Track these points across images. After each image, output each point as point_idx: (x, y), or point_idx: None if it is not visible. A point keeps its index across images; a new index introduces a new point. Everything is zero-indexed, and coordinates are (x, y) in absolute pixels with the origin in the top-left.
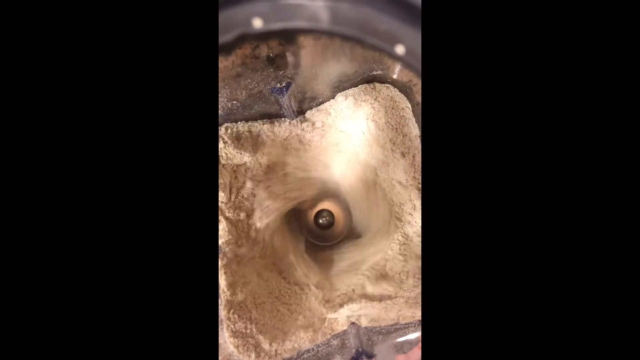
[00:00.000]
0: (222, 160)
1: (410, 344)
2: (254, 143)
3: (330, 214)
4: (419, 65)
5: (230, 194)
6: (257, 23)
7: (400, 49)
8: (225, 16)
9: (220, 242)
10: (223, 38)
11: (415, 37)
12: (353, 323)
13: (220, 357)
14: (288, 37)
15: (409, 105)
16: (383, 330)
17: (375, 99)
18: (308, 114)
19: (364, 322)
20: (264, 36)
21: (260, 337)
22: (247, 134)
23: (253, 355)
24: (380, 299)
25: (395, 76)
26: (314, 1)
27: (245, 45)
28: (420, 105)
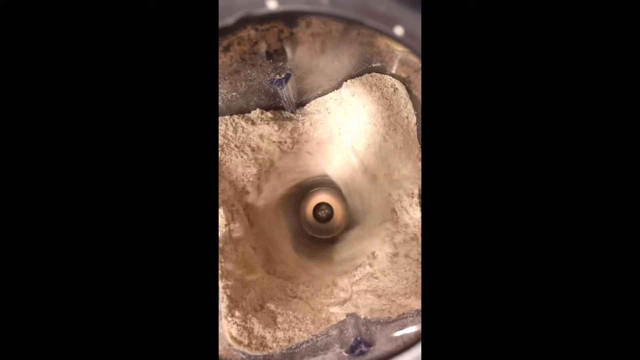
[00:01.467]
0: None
1: (410, 337)
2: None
3: (329, 206)
4: (418, 48)
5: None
6: (272, 4)
7: (399, 30)
8: None
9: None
10: (225, 21)
11: (414, 19)
12: (351, 314)
13: (220, 347)
14: (290, 19)
15: (409, 97)
16: (381, 321)
17: (375, 90)
18: (307, 106)
19: (362, 313)
20: (266, 18)
21: (255, 321)
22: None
23: (245, 340)
24: (379, 290)
25: (393, 71)
26: None
27: (244, 42)
28: (420, 101)
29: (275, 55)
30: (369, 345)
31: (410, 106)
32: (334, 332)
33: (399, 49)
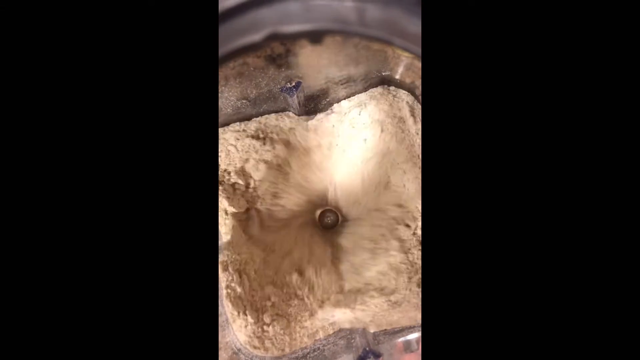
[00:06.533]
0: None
1: (417, 342)
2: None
3: (334, 213)
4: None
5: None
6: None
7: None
8: (254, 16)
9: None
10: (251, 37)
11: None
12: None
13: (226, 356)
14: (316, 37)
15: (418, 107)
16: (389, 330)
17: (383, 102)
18: (317, 115)
19: (372, 329)
20: (293, 36)
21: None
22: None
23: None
24: (385, 302)
25: (398, 77)
26: (342, 2)
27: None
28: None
29: (279, 59)
30: (377, 355)
31: (418, 116)
32: (342, 342)
33: (405, 55)
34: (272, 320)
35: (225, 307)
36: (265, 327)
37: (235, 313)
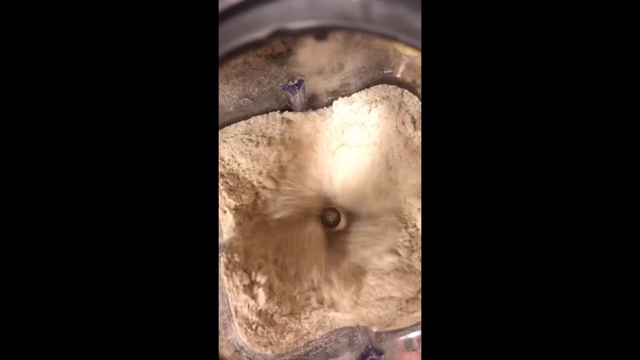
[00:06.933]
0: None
1: (418, 341)
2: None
3: (336, 212)
4: None
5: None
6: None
7: None
8: (259, 13)
9: (221, 240)
10: (256, 34)
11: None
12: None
13: (228, 354)
14: (321, 34)
15: (418, 106)
16: (390, 329)
17: (384, 100)
18: (319, 112)
19: (374, 328)
20: (298, 33)
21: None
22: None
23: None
24: (384, 301)
25: (399, 75)
26: None
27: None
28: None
29: (281, 57)
30: (379, 353)
31: (418, 115)
32: (344, 340)
33: (407, 54)
34: (279, 302)
35: (224, 278)
36: (272, 307)
37: (241, 287)
